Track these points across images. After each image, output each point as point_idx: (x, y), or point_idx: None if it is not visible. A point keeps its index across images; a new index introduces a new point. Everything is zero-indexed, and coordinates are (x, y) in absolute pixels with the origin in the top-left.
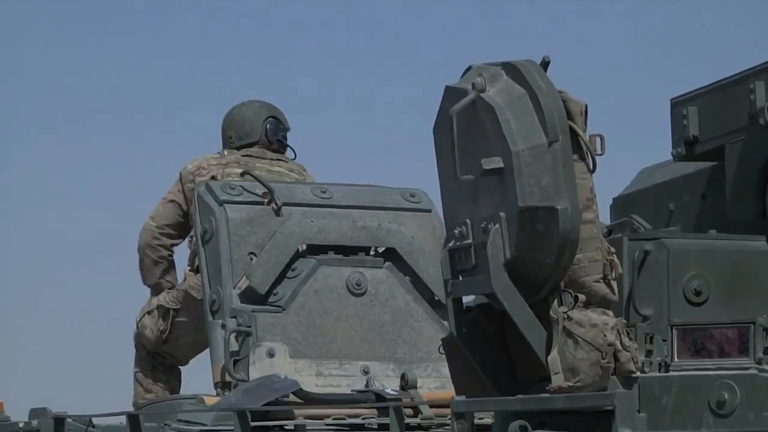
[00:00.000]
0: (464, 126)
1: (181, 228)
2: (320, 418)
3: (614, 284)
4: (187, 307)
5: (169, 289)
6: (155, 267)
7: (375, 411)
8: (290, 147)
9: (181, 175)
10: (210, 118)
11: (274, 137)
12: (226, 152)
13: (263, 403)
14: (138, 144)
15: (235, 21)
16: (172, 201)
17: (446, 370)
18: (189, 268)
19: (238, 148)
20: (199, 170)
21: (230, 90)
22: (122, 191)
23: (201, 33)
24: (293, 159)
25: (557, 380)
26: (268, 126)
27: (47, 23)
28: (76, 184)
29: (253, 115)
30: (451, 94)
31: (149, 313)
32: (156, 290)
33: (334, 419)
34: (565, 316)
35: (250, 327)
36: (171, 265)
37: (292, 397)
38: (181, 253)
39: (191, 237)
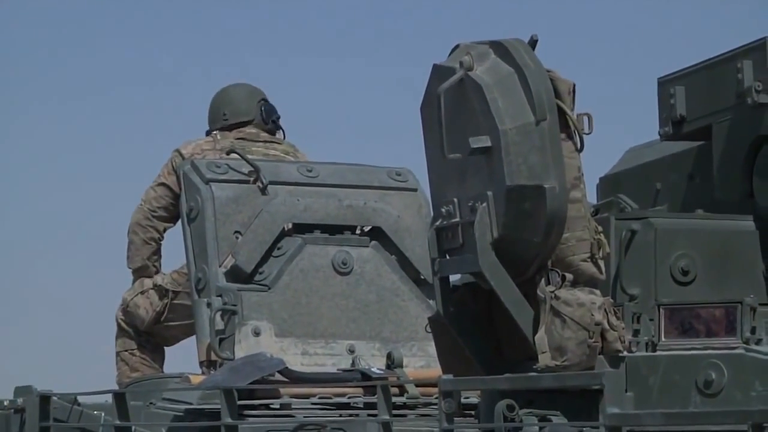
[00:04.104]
0: (452, 105)
1: (174, 211)
2: (306, 396)
3: (601, 263)
4: (187, 290)
5: (155, 273)
6: (144, 247)
7: (361, 390)
8: (282, 129)
9: (172, 158)
10: (188, 102)
11: (269, 118)
12: (219, 136)
13: (249, 381)
14: (127, 127)
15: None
16: (162, 184)
17: (432, 349)
18: None
19: (230, 128)
20: (193, 156)
21: (211, 70)
22: (109, 172)
23: (183, 12)
24: (284, 139)
25: (544, 359)
26: (263, 107)
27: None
28: (64, 164)
29: (248, 96)
30: (439, 72)
31: (143, 293)
32: (140, 273)
33: (320, 398)
34: (553, 295)
35: (235, 306)
36: (159, 249)
37: (278, 376)
38: (178, 238)
39: None
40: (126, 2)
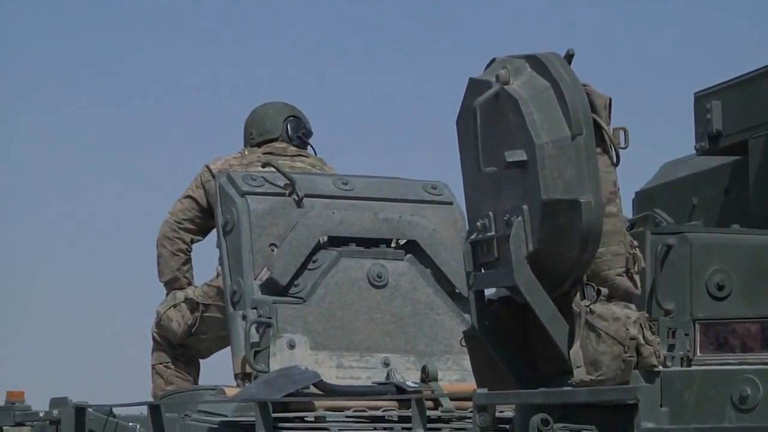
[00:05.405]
0: (487, 118)
1: (201, 224)
2: (340, 410)
3: (637, 278)
4: (217, 303)
5: (187, 284)
6: (172, 259)
7: (395, 403)
8: (311, 145)
9: (201, 173)
10: (225, 116)
11: (295, 134)
12: (246, 151)
13: (284, 394)
14: (158, 137)
15: (253, 12)
16: (189, 197)
17: (467, 363)
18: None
19: (259, 145)
20: (221, 172)
21: (248, 86)
22: (145, 184)
23: (217, 27)
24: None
25: (579, 374)
26: (289, 124)
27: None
28: (102, 175)
29: (274, 113)
30: (475, 86)
31: (175, 306)
32: (171, 285)
33: (354, 411)
34: (588, 310)
35: (270, 318)
36: (189, 261)
37: (313, 389)
38: (209, 252)
39: None
40: (160, 11)
